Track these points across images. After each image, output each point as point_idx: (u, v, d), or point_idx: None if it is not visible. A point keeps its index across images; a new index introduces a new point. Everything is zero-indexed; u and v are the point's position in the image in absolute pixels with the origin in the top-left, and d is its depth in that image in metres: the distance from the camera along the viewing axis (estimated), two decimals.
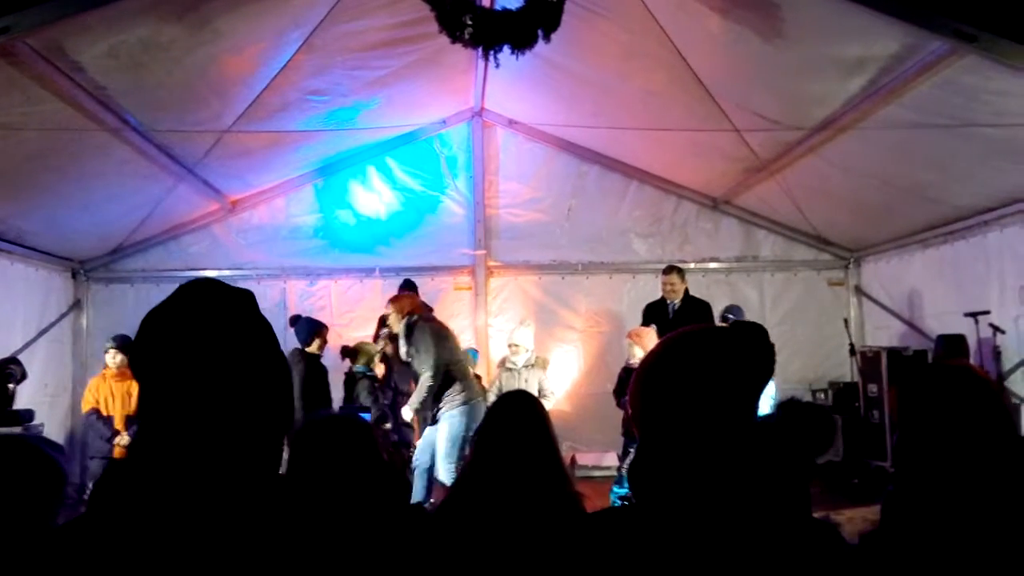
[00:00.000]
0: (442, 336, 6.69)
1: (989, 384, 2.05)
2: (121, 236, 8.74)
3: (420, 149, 9.48)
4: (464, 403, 6.49)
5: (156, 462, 1.22)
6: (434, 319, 7.08)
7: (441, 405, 6.53)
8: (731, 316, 7.88)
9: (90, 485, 6.50)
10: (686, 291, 7.95)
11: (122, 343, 7.07)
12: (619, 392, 7.01)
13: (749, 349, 1.51)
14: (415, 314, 6.82)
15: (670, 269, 8.03)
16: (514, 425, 2.84)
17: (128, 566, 1.13)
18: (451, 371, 6.59)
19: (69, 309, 8.74)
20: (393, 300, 7.04)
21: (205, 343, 1.25)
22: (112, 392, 7.07)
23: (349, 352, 7.72)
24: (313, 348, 7.39)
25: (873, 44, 5.12)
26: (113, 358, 7.13)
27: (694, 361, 1.50)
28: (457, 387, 6.56)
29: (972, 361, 6.89)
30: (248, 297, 1.35)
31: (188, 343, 1.25)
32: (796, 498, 1.47)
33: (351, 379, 7.60)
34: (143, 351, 1.27)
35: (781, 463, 1.47)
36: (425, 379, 6.48)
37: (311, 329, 7.49)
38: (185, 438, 1.22)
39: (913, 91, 5.37)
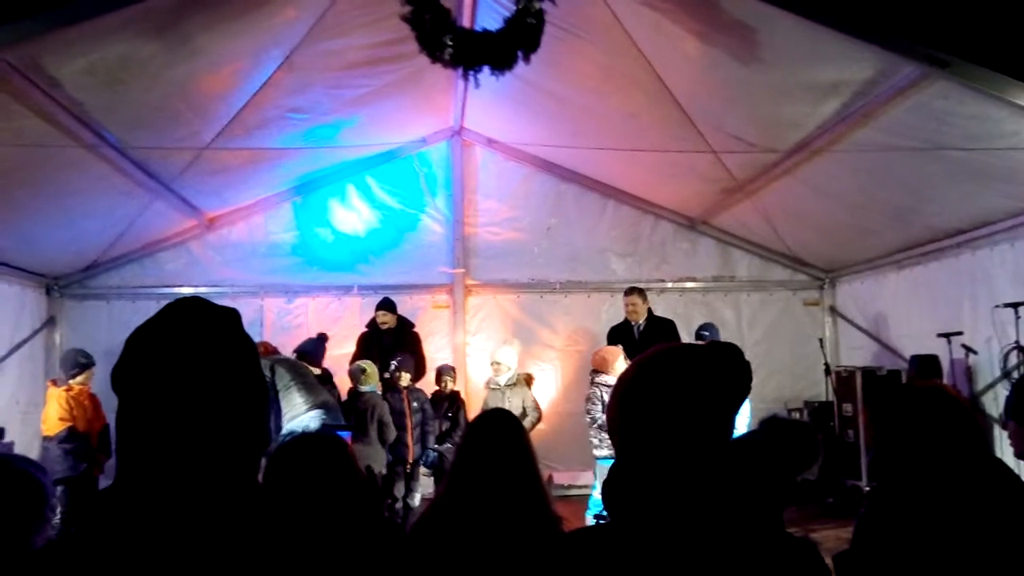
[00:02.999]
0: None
1: (961, 403, 2.07)
2: (96, 252, 8.66)
3: (400, 167, 9.50)
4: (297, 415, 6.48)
5: (136, 481, 1.21)
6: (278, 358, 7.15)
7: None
8: (706, 334, 7.91)
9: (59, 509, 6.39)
10: (649, 311, 8.00)
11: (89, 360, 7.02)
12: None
13: (726, 367, 1.52)
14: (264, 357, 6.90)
15: (631, 290, 8.11)
16: (492, 444, 2.82)
17: None
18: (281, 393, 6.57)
19: (43, 325, 8.64)
20: None
21: (189, 362, 1.25)
22: (85, 408, 6.88)
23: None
24: None
25: (847, 68, 5.20)
26: (90, 376, 6.99)
27: (671, 378, 1.50)
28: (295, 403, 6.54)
29: (945, 381, 6.97)
30: (233, 316, 1.35)
31: (173, 362, 1.25)
32: (772, 514, 1.48)
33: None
34: (127, 368, 1.27)
35: (760, 479, 1.48)
36: None
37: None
38: (166, 457, 1.22)
39: (886, 115, 5.46)
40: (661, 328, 7.84)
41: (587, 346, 9.36)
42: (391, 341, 8.20)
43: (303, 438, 2.46)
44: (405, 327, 8.46)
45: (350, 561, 2.12)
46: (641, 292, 8.06)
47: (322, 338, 8.05)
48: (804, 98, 5.80)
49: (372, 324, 8.42)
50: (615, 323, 8.46)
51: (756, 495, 1.49)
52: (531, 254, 9.58)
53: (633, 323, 8.00)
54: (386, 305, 8.33)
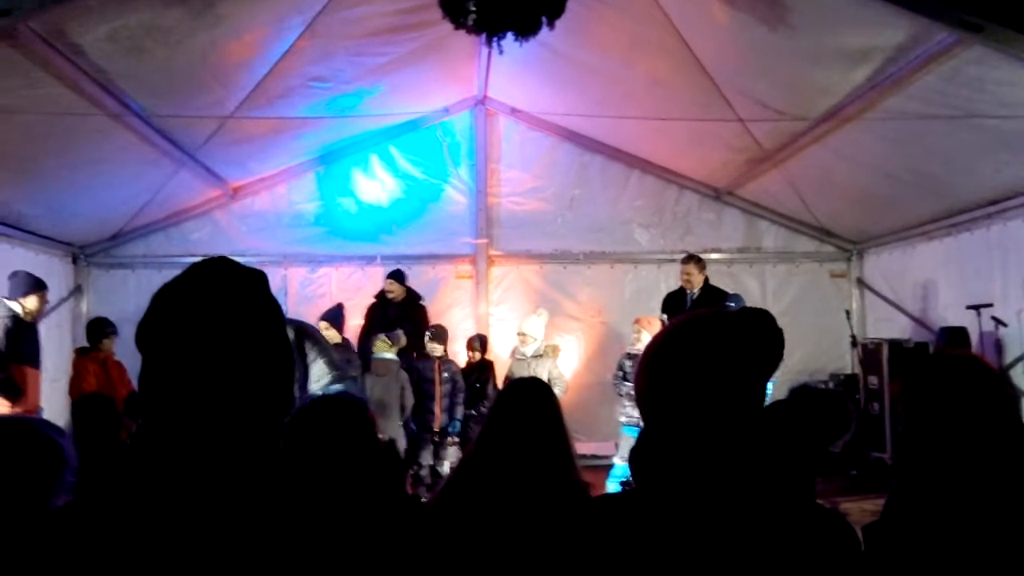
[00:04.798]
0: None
1: (995, 374, 2.03)
2: (122, 221, 8.72)
3: (423, 137, 9.46)
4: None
5: (156, 440, 1.20)
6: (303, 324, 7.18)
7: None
8: (731, 305, 7.81)
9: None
10: (706, 280, 7.90)
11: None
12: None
13: (758, 334, 1.49)
14: None
15: (687, 259, 7.97)
16: (525, 410, 2.81)
17: (125, 549, 1.12)
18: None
19: (69, 294, 8.73)
20: None
21: (214, 321, 1.24)
22: (110, 374, 6.95)
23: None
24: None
25: (879, 34, 5.09)
26: (114, 343, 7.08)
27: (702, 344, 1.47)
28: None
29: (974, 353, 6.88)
30: (259, 277, 1.34)
31: (197, 320, 1.24)
32: (802, 484, 1.46)
33: None
34: (152, 326, 1.26)
35: (789, 449, 1.46)
36: None
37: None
38: (188, 416, 1.21)
39: (918, 82, 5.33)
40: (714, 298, 7.68)
41: (610, 317, 9.34)
42: (396, 314, 8.19)
43: (323, 400, 2.46)
44: (413, 299, 8.44)
45: (367, 525, 2.11)
46: (699, 261, 7.93)
47: (341, 307, 8.11)
48: (834, 65, 5.69)
49: (381, 294, 8.42)
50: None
51: (787, 465, 1.46)
52: (555, 225, 9.52)
53: (688, 292, 7.91)
54: (394, 275, 8.34)
